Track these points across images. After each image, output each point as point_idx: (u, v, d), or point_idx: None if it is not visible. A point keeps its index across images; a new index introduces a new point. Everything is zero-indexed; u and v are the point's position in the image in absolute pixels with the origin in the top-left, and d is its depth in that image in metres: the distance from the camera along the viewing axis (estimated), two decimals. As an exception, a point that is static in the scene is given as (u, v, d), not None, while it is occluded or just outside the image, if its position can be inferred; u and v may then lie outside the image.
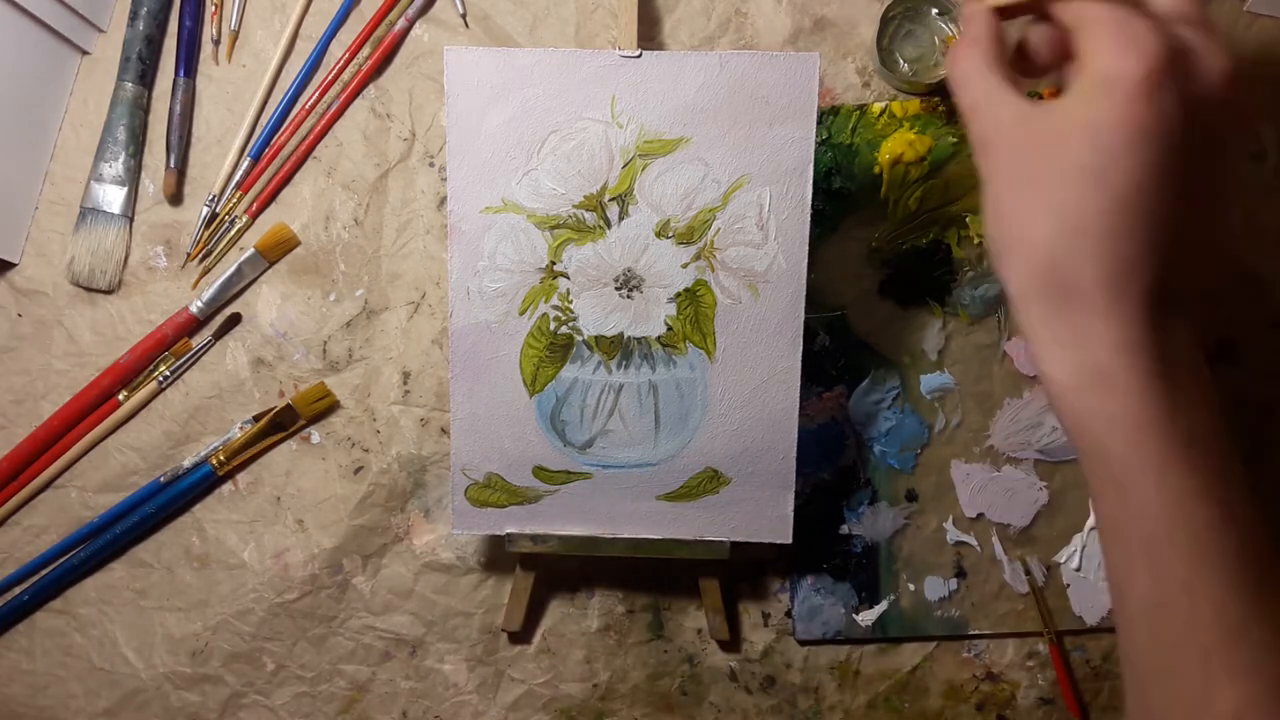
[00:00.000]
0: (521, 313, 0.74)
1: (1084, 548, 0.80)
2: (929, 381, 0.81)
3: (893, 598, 0.81)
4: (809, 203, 0.71)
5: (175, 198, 0.85)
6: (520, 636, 0.83)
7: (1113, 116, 0.46)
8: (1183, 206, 0.49)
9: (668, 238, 0.72)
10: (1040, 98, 0.54)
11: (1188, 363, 0.50)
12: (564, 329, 0.74)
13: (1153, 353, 0.48)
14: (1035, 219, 0.50)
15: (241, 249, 0.84)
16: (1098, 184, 0.47)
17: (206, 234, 0.85)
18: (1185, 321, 0.50)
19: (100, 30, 0.86)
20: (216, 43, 0.86)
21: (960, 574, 0.81)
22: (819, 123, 0.76)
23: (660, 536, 0.77)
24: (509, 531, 0.77)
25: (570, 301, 0.74)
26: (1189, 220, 0.49)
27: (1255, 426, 0.80)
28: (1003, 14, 0.55)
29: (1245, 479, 0.50)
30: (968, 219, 0.81)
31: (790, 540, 0.76)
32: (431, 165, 0.84)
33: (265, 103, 0.86)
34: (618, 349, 0.74)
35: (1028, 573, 0.80)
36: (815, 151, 0.71)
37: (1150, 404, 0.48)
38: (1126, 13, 0.47)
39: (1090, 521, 0.80)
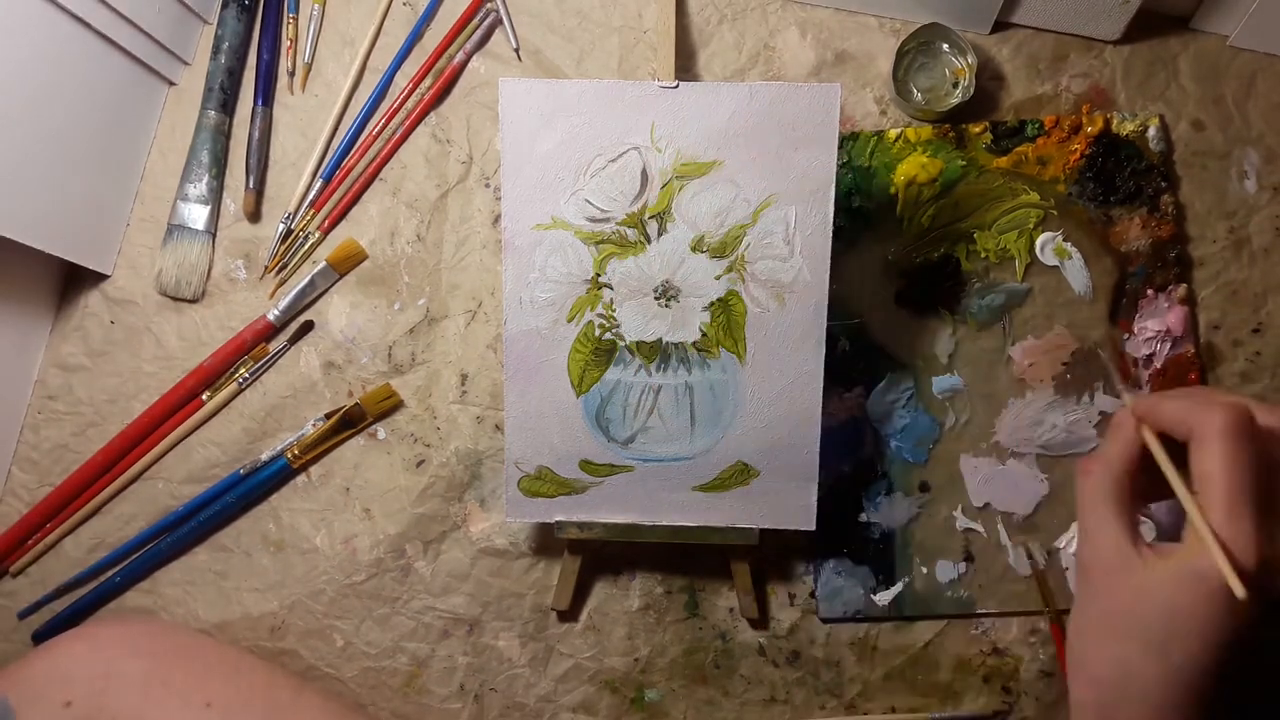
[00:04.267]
0: (569, 320, 0.76)
1: (1082, 534, 0.83)
2: (940, 383, 0.84)
3: (907, 579, 0.82)
4: (831, 220, 0.73)
5: (254, 215, 0.88)
6: (568, 615, 0.84)
7: (1190, 607, 0.49)
8: (1238, 673, 0.52)
9: (702, 252, 0.74)
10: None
11: None
12: (608, 335, 0.76)
13: None
14: (1104, 661, 0.53)
15: (314, 262, 0.87)
16: (1162, 658, 0.50)
17: (282, 248, 0.88)
18: None
19: (186, 63, 0.90)
20: (291, 74, 0.89)
21: (969, 558, 0.82)
22: (840, 147, 0.80)
23: (696, 524, 0.79)
24: (558, 519, 0.80)
25: (614, 310, 0.76)
26: (1240, 684, 0.52)
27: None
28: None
29: None
30: (975, 235, 0.83)
31: (814, 527, 0.78)
32: (487, 186, 0.87)
33: (336, 129, 0.88)
34: (657, 353, 0.76)
35: (1030, 557, 0.82)
36: (837, 173, 0.72)
37: None
38: (1239, 533, 0.49)
39: (1087, 510, 0.83)
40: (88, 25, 0.80)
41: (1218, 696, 0.52)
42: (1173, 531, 0.77)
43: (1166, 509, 0.77)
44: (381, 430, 0.87)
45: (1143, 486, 0.58)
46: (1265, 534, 0.50)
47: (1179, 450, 0.55)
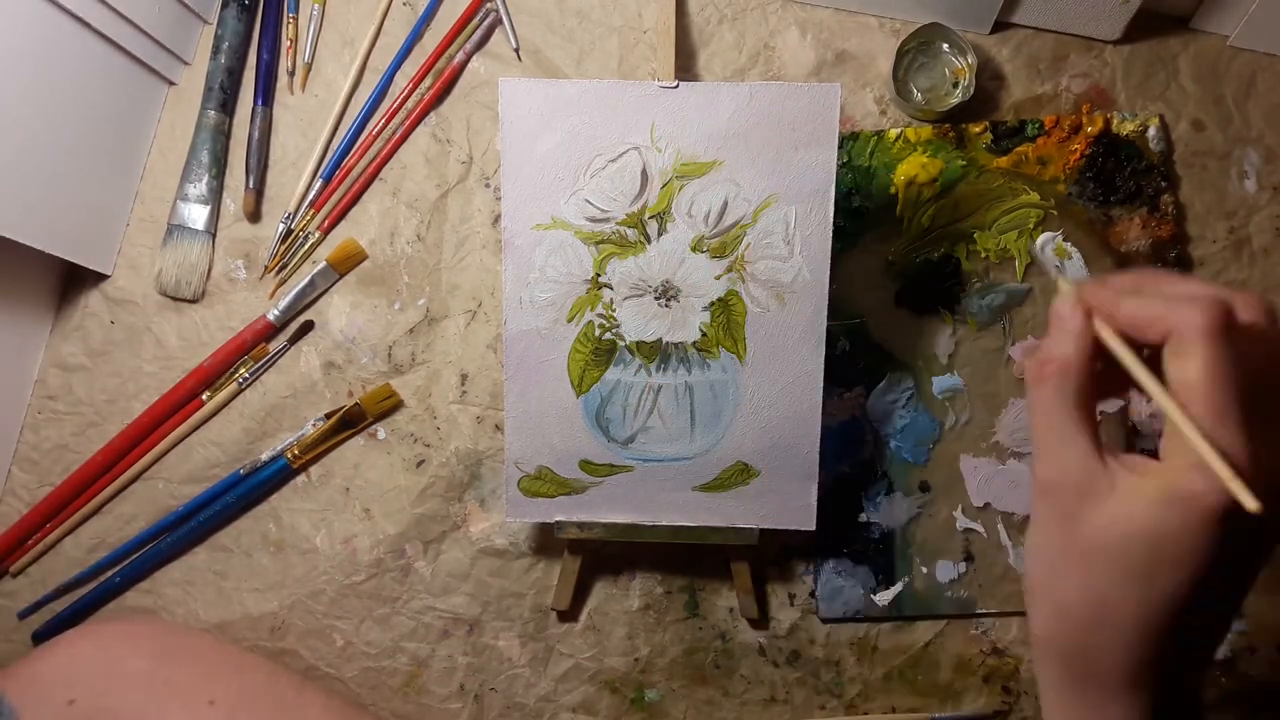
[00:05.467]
0: (569, 320, 0.76)
1: (1082, 534, 0.82)
2: (940, 383, 0.84)
3: (907, 579, 0.82)
4: (831, 220, 0.73)
5: (254, 215, 0.88)
6: (568, 615, 0.84)
7: (1177, 532, 0.44)
8: (1218, 597, 0.48)
9: (702, 252, 0.74)
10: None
11: None
12: (608, 335, 0.76)
13: None
14: (1075, 591, 0.48)
15: (314, 262, 0.87)
16: (1144, 586, 0.45)
17: (282, 248, 0.88)
18: (1192, 697, 0.50)
19: (185, 63, 0.90)
20: (291, 74, 0.89)
21: (969, 558, 0.82)
22: (840, 147, 0.79)
23: (695, 524, 0.79)
24: (558, 519, 0.80)
25: (614, 310, 0.76)
26: (1222, 602, 0.49)
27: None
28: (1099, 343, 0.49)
29: None
30: (975, 235, 0.83)
31: (814, 527, 0.78)
32: (487, 186, 0.87)
33: (336, 129, 0.89)
34: (657, 353, 0.76)
35: None
36: (837, 173, 0.73)
37: None
38: (1230, 446, 0.43)
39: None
40: (88, 25, 0.80)
41: (1197, 621, 0.48)
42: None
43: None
44: (381, 430, 0.87)
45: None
46: (1255, 446, 0.43)
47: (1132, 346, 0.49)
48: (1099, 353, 0.49)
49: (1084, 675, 0.49)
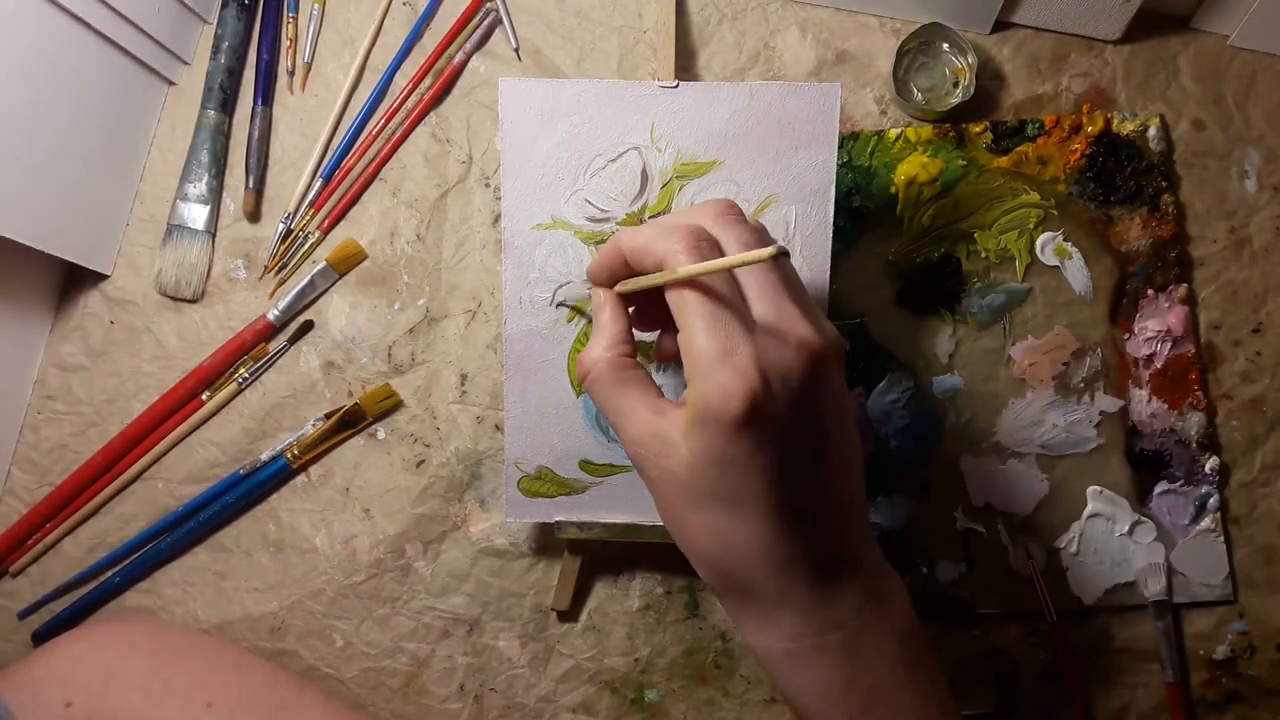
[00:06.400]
0: (569, 320, 0.76)
1: (1081, 534, 0.81)
2: (940, 383, 0.84)
3: (907, 580, 0.79)
4: (831, 220, 0.73)
5: (254, 215, 0.88)
6: (568, 615, 0.84)
7: (725, 448, 0.47)
8: (820, 482, 0.50)
9: None
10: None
11: (867, 618, 0.52)
12: None
13: (828, 628, 0.51)
14: (698, 537, 0.51)
15: (314, 262, 0.87)
16: (740, 506, 0.48)
17: (282, 248, 0.87)
18: (857, 577, 0.52)
19: (185, 63, 0.90)
20: (291, 74, 0.89)
21: (969, 558, 0.82)
22: (840, 147, 0.79)
23: None
24: (558, 519, 0.80)
25: None
26: (831, 485, 0.51)
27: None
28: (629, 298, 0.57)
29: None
30: (975, 235, 0.83)
31: None
32: (487, 186, 0.87)
33: (336, 128, 0.88)
34: None
35: (1030, 557, 0.82)
36: (837, 173, 0.73)
37: (831, 676, 0.51)
38: (721, 347, 0.47)
39: (1087, 510, 0.81)
40: (88, 25, 0.80)
41: (819, 500, 0.51)
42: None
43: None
44: (381, 430, 0.87)
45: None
46: (754, 344, 0.48)
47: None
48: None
49: (747, 598, 0.52)
